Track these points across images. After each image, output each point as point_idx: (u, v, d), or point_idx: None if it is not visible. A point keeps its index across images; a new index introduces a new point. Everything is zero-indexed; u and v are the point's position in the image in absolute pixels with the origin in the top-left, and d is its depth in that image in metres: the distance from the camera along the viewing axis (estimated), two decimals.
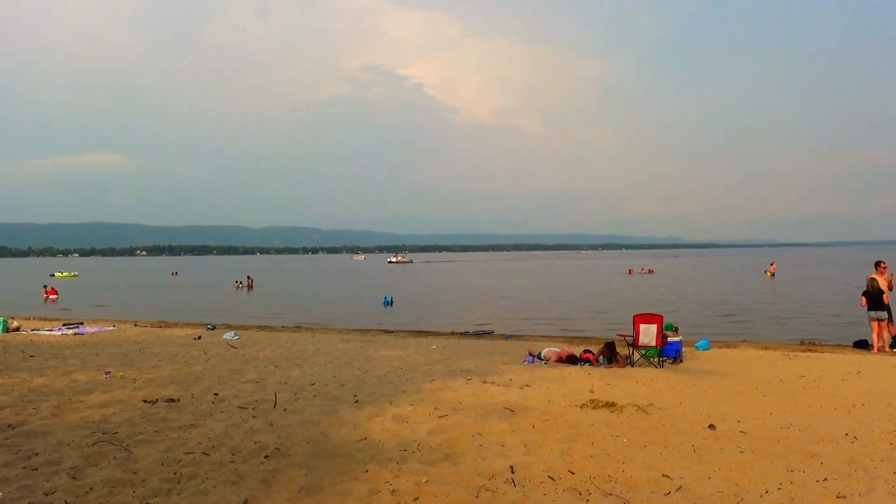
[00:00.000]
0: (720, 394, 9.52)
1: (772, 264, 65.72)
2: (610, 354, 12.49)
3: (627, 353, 12.72)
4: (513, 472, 5.85)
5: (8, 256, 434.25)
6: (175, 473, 5.82)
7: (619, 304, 33.17)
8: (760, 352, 14.78)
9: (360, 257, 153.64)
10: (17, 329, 19.65)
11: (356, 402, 9.01)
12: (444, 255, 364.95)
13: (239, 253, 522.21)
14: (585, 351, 13.33)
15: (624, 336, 13.13)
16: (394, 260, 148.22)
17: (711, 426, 7.39)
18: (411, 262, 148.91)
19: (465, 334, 20.97)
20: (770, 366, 12.40)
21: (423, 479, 5.67)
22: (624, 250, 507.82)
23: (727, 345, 16.43)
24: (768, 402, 8.90)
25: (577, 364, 12.56)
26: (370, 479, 5.70)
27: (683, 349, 13.58)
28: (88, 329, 20.44)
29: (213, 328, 21.42)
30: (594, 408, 8.42)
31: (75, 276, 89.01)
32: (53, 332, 19.26)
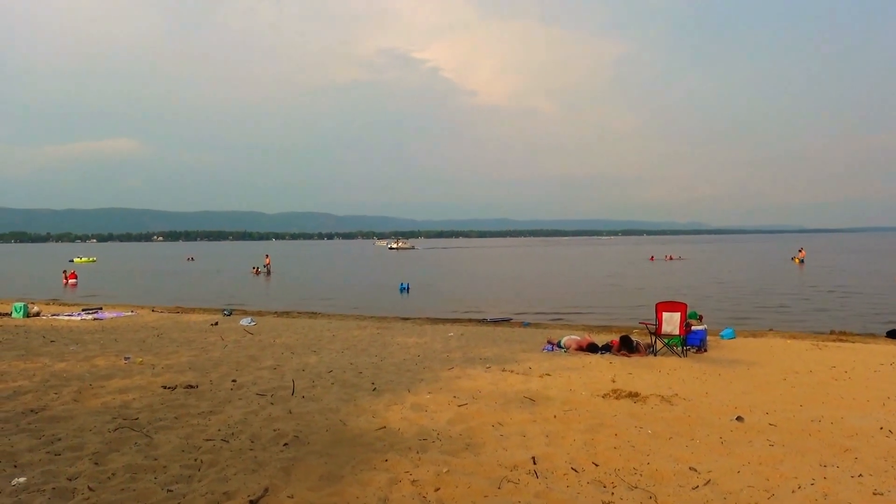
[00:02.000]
0: (747, 384, 9.44)
1: (800, 251, 64.95)
2: (627, 347, 12.41)
3: (650, 341, 12.66)
4: (535, 464, 5.83)
5: (27, 242, 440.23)
6: (195, 460, 5.87)
7: (640, 292, 32.98)
8: (788, 341, 14.64)
9: (384, 243, 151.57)
10: (38, 314, 19.92)
11: (374, 389, 9.04)
12: (459, 241, 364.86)
13: (254, 238, 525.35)
14: (616, 342, 13.25)
15: (646, 324, 13.05)
16: (395, 246, 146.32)
17: (739, 418, 7.32)
18: (413, 248, 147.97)
19: (482, 321, 20.97)
20: (799, 356, 12.28)
21: (444, 470, 5.67)
22: (644, 236, 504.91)
23: (753, 334, 16.29)
24: (798, 393, 8.81)
25: (597, 353, 12.51)
26: (390, 469, 5.71)
27: (708, 338, 13.48)
28: (107, 314, 20.67)
29: (230, 314, 21.58)
30: (617, 398, 8.37)
31: (94, 261, 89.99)
32: (73, 318, 19.50)
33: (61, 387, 8.94)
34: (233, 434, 6.71)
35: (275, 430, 6.83)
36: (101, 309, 22.83)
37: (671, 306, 12.43)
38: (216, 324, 18.19)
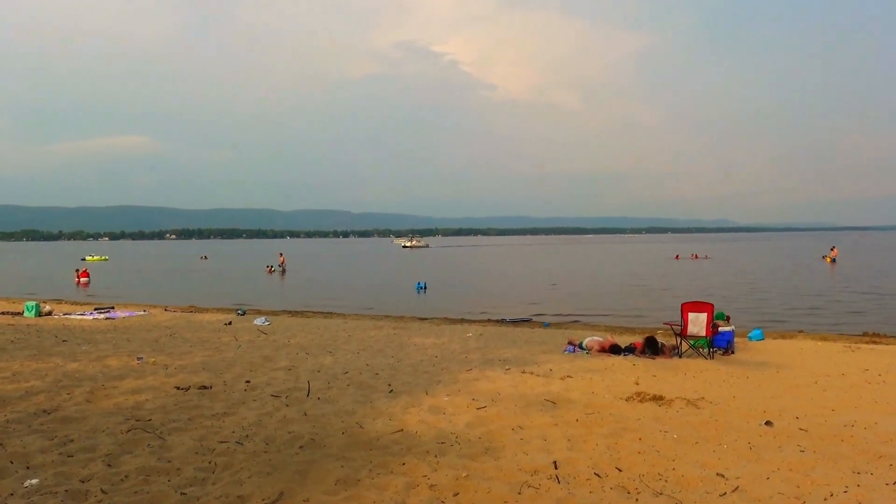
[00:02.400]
0: (776, 388, 9.35)
1: (832, 249, 64.25)
2: (651, 349, 12.34)
3: (675, 343, 12.58)
4: (556, 468, 5.82)
5: (39, 240, 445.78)
6: (209, 463, 5.91)
7: (665, 292, 32.78)
8: (819, 343, 14.50)
9: (402, 241, 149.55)
10: (50, 313, 20.17)
11: (391, 391, 9.06)
12: (476, 238, 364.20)
13: (268, 236, 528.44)
14: (640, 343, 13.18)
15: (671, 325, 12.97)
16: (408, 244, 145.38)
17: (768, 422, 7.26)
18: (427, 246, 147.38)
19: (501, 322, 20.95)
20: (830, 358, 12.15)
21: (463, 474, 5.67)
22: (670, 234, 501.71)
23: (783, 335, 16.15)
24: (829, 397, 8.72)
25: (620, 354, 12.45)
26: (408, 473, 5.72)
27: (735, 340, 13.39)
28: (119, 314, 20.89)
29: (244, 313, 21.73)
30: (641, 401, 8.33)
31: (106, 259, 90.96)
32: (85, 317, 19.74)
33: (74, 387, 9.04)
34: (247, 436, 6.75)
35: (290, 433, 6.87)
36: (113, 308, 23.08)
37: (697, 307, 12.34)
38: (230, 323, 18.32)
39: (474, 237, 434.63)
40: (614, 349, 12.70)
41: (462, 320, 21.35)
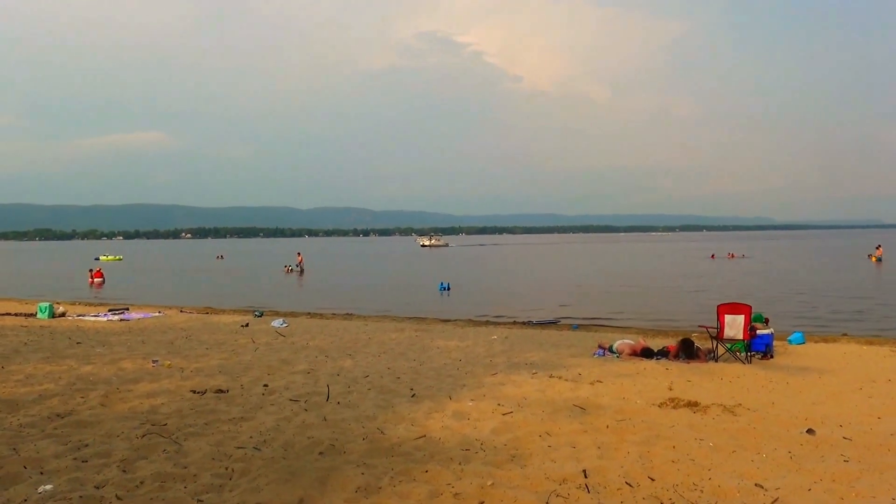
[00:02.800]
0: (818, 394, 9.25)
1: (878, 248, 63.24)
2: (687, 352, 12.26)
3: (710, 346, 12.48)
4: (586, 477, 5.80)
5: (52, 239, 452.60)
6: (226, 469, 5.97)
7: (700, 293, 32.51)
8: (864, 347, 14.30)
9: (425, 240, 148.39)
10: (63, 314, 20.47)
11: (413, 396, 9.09)
12: (502, 237, 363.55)
13: (286, 235, 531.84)
14: (673, 346, 13.09)
15: (707, 328, 12.87)
16: (427, 243, 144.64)
17: (810, 431, 7.18)
18: (447, 245, 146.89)
19: (528, 324, 20.92)
20: (876, 363, 11.99)
21: (488, 482, 5.67)
22: (705, 232, 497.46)
23: (825, 339, 15.97)
24: (875, 404, 8.60)
25: (652, 358, 12.38)
26: (431, 481, 5.73)
27: (774, 343, 13.25)
28: (134, 315, 21.15)
29: (261, 315, 21.89)
30: (674, 407, 8.28)
31: (120, 259, 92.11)
32: (99, 318, 20.00)
33: (88, 390, 9.17)
34: (265, 442, 6.81)
35: (309, 438, 6.91)
36: (127, 309, 23.37)
37: (734, 308, 12.23)
38: (247, 325, 18.47)
39: (499, 236, 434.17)
40: (646, 353, 12.62)
41: (487, 322, 21.35)
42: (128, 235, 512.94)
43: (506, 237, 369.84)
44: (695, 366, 11.56)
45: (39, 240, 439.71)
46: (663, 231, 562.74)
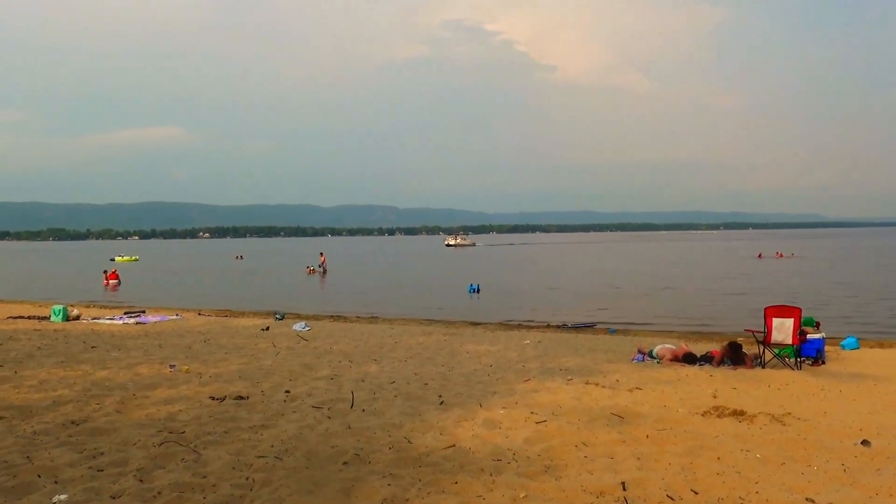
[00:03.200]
0: (874, 403, 9.11)
1: None
2: (734, 357, 12.15)
3: (757, 351, 12.36)
4: (625, 490, 5.76)
5: (66, 239, 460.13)
6: (247, 479, 6.02)
7: (746, 295, 32.17)
8: None
9: (451, 239, 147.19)
10: (78, 317, 20.79)
11: (441, 403, 9.10)
12: (535, 236, 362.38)
13: (308, 234, 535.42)
14: (717, 352, 12.99)
15: (753, 332, 12.73)
16: (452, 243, 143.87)
17: (865, 442, 7.07)
18: (473, 245, 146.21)
19: (562, 327, 20.86)
20: None
21: (521, 494, 5.66)
22: (750, 230, 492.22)
23: (881, 344, 15.74)
24: None
25: (695, 364, 12.28)
26: (460, 493, 5.73)
27: (826, 348, 13.11)
28: (151, 318, 21.42)
29: (282, 318, 22.06)
30: (719, 416, 8.20)
31: (136, 260, 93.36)
32: (115, 321, 20.29)
33: (103, 396, 9.30)
34: (287, 451, 6.86)
35: (333, 447, 6.95)
36: (144, 312, 23.68)
37: (783, 311, 12.10)
38: (267, 329, 18.61)
39: (531, 234, 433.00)
40: (689, 358, 12.52)
41: (519, 326, 21.34)
42: (144, 235, 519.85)
43: (538, 236, 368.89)
44: (741, 372, 11.44)
45: (53, 240, 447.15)
46: (706, 229, 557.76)
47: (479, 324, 21.87)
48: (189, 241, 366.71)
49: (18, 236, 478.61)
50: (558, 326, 21.16)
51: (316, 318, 23.13)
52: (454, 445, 7.06)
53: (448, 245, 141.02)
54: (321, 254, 60.38)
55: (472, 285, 36.06)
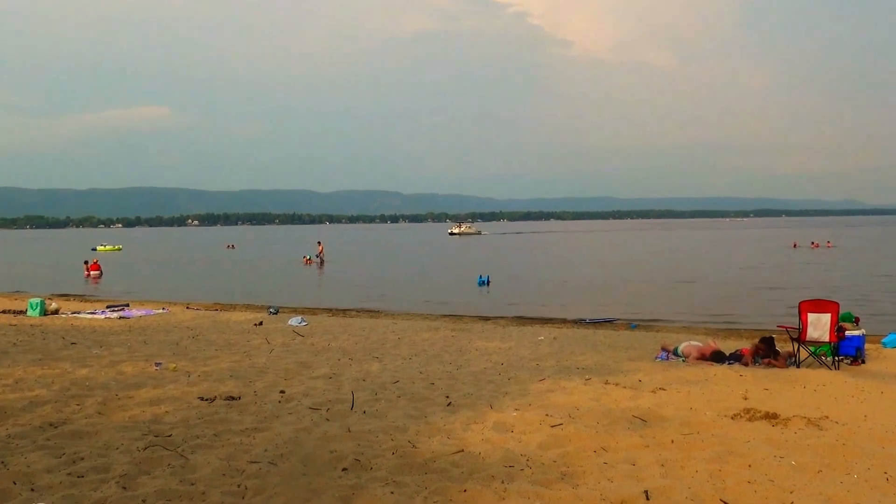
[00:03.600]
0: None
1: None
2: (767, 352, 12.12)
3: (791, 349, 12.32)
4: (648, 499, 5.74)
5: (44, 227, 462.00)
6: (239, 486, 6.02)
7: (779, 289, 32.09)
8: None
9: (455, 227, 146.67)
10: (56, 311, 20.85)
11: (449, 404, 9.09)
12: (549, 224, 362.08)
13: (305, 222, 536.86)
14: (748, 350, 12.95)
15: (787, 328, 12.69)
16: (456, 231, 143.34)
17: None
18: (479, 233, 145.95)
19: (580, 322, 20.85)
20: None
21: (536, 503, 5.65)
22: (784, 218, 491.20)
23: None
24: None
25: (724, 363, 12.26)
26: (469, 502, 5.72)
27: (866, 346, 13.04)
28: (135, 312, 21.48)
29: (277, 312, 22.09)
30: (750, 419, 8.18)
31: (120, 249, 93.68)
32: (96, 316, 20.36)
33: (84, 397, 9.31)
34: (282, 455, 6.85)
35: (331, 452, 6.94)
36: (127, 306, 23.74)
37: (819, 306, 12.04)
38: (260, 323, 18.66)
39: (546, 222, 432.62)
40: (717, 356, 12.49)
41: (532, 321, 21.31)
42: (128, 223, 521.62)
43: (552, 224, 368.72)
44: (774, 372, 11.40)
45: (30, 227, 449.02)
46: (735, 216, 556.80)
47: (489, 318, 21.87)
48: (176, 230, 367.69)
49: None
50: (575, 321, 21.14)
51: (313, 312, 23.17)
52: (462, 450, 7.04)
53: (452, 233, 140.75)
54: (319, 243, 60.43)
55: (481, 277, 36.06)
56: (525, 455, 6.90)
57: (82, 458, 6.69)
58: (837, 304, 12.07)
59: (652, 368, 11.76)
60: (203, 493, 5.85)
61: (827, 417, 8.24)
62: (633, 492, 5.90)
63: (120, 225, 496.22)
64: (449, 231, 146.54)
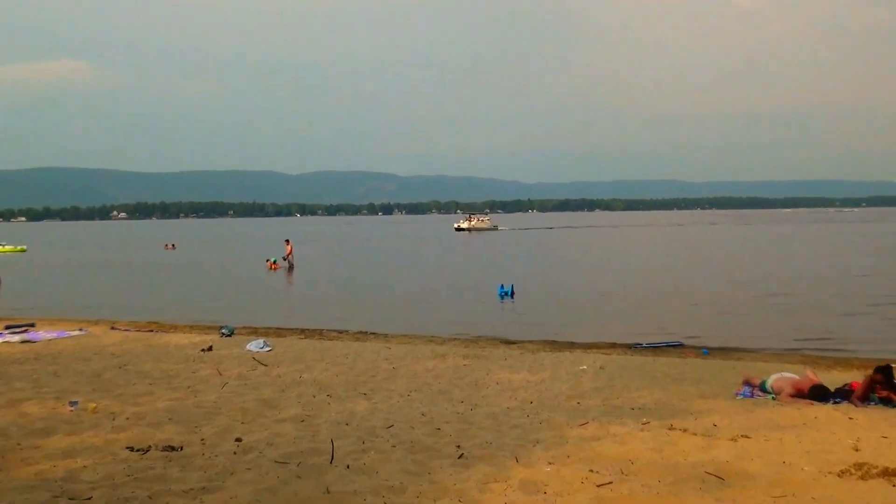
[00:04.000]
0: None
1: None
2: (886, 387, 12.08)
3: None
4: None
5: None
6: None
7: None
8: None
9: (463, 221, 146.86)
10: None
11: (461, 456, 9.10)
12: (594, 215, 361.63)
13: (269, 214, 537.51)
14: (858, 384, 12.92)
15: None
16: (464, 226, 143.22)
17: None
18: (495, 228, 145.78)
19: (634, 348, 20.79)
20: None
21: None
22: None
23: None
24: None
25: (828, 401, 12.23)
26: None
27: None
28: (42, 335, 21.47)
29: (231, 333, 22.09)
30: (863, 477, 8.17)
31: (23, 251, 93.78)
32: None
33: None
34: None
35: None
36: (33, 326, 23.73)
37: None
38: (210, 349, 18.65)
39: (589, 213, 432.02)
40: (818, 393, 12.46)
41: (572, 345, 21.26)
42: (33, 215, 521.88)
43: (598, 216, 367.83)
44: (894, 413, 11.37)
45: None
46: (842, 206, 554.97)
47: (513, 342, 21.80)
48: (98, 224, 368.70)
49: None
50: (628, 346, 21.08)
51: (279, 333, 23.15)
52: None
53: (458, 229, 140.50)
54: (287, 242, 60.44)
55: (503, 287, 35.98)
56: None
57: None
58: None
59: (731, 409, 11.76)
60: None
61: None
62: None
63: (23, 218, 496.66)
64: (455, 226, 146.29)
